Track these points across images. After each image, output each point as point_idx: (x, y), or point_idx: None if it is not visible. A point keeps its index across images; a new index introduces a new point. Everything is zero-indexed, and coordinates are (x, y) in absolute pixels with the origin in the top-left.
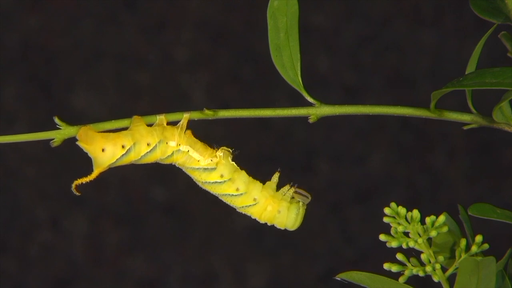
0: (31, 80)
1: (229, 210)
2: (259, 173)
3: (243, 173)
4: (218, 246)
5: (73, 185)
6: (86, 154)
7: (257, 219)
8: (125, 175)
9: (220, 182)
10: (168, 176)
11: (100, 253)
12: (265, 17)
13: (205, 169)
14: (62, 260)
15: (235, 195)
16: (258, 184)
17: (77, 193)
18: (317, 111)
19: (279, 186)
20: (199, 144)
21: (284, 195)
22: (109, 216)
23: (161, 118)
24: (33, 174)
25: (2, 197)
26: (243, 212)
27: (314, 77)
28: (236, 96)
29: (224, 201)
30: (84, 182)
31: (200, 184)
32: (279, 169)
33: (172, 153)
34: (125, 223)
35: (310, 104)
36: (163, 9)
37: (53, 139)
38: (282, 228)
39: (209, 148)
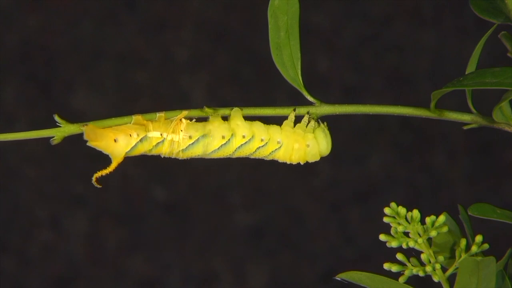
0: (31, 80)
1: (229, 210)
2: (259, 173)
3: (257, 122)
4: (218, 246)
5: (94, 178)
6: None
7: (287, 162)
8: (126, 175)
9: (246, 142)
10: (168, 176)
11: (100, 253)
12: (265, 16)
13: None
14: (62, 260)
15: (262, 146)
16: (275, 127)
17: (98, 186)
18: (317, 110)
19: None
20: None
21: (306, 127)
22: (109, 216)
23: (161, 116)
24: (33, 174)
25: (2, 197)
26: (271, 159)
27: (314, 77)
28: (236, 96)
29: (258, 157)
30: (103, 175)
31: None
32: (294, 108)
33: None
34: (125, 223)
35: (310, 103)
36: (163, 9)
37: (53, 137)
38: (318, 159)
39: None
